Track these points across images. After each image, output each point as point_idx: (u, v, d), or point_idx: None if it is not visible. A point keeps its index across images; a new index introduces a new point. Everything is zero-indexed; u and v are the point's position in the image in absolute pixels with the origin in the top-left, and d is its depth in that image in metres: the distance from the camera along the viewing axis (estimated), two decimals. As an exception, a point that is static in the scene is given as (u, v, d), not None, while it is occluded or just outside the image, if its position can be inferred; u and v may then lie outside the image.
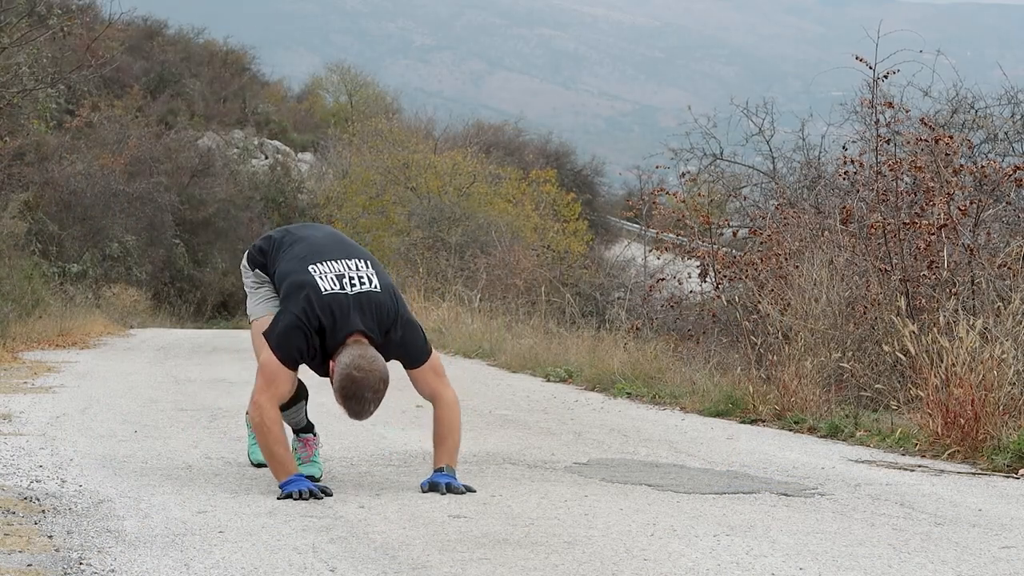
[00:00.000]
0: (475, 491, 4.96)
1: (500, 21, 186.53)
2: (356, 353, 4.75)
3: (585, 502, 4.83)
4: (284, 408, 5.14)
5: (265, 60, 46.44)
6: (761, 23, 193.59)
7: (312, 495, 4.74)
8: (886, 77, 9.88)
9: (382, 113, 38.40)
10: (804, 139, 15.19)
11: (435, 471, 5.02)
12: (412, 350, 4.99)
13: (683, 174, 14.66)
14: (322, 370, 4.98)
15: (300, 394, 5.28)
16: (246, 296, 5.34)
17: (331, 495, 4.84)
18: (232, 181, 32.00)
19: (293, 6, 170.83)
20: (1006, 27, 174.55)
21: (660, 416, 8.22)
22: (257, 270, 5.23)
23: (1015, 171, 9.46)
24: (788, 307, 8.99)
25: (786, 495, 5.11)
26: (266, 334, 4.90)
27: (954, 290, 8.35)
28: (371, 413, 4.80)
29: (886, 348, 7.47)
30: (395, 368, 4.95)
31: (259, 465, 5.51)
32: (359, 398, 4.72)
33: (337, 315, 4.82)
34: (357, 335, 4.84)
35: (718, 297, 11.30)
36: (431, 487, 4.95)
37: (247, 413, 5.75)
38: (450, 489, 4.92)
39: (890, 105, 10.22)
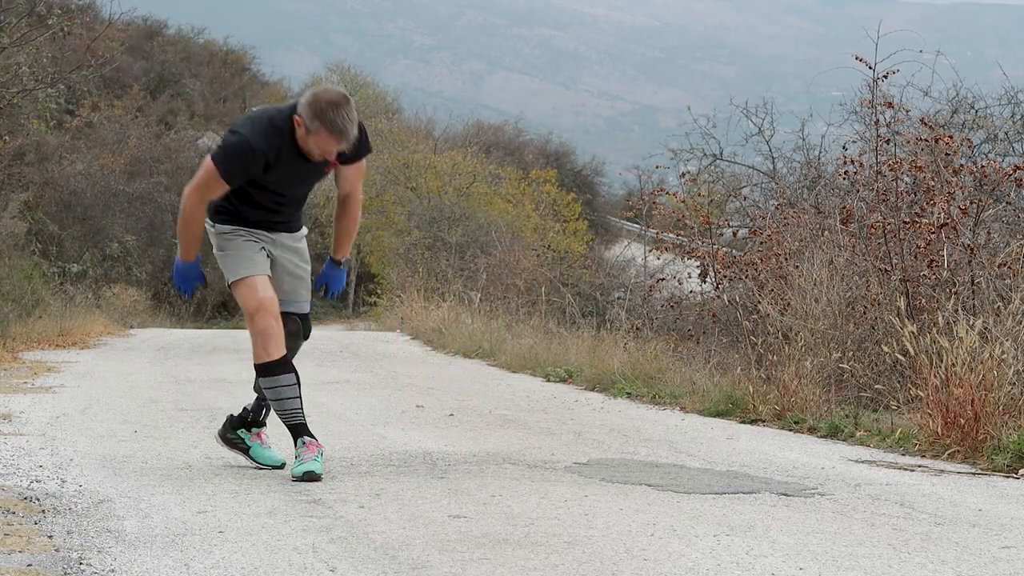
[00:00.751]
0: (343, 286, 5.59)
1: (500, 21, 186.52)
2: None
3: (585, 502, 4.82)
4: (275, 374, 5.15)
5: (265, 60, 46.52)
6: (761, 23, 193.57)
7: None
8: (886, 77, 9.88)
9: (382, 113, 38.43)
10: (804, 139, 15.19)
11: (332, 262, 5.57)
12: (359, 142, 5.18)
13: (683, 174, 14.65)
14: (306, 168, 5.21)
15: (288, 366, 5.22)
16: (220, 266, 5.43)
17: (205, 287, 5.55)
18: (232, 181, 31.96)
19: (293, 6, 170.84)
20: (1006, 27, 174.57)
21: (660, 416, 8.23)
22: (218, 224, 5.28)
23: (1015, 171, 9.45)
24: (788, 307, 8.98)
25: (786, 495, 5.11)
26: (214, 151, 5.11)
27: (954, 290, 8.34)
28: (353, 121, 5.00)
29: (886, 348, 7.47)
30: (390, 376, 4.94)
31: (272, 467, 5.49)
32: (333, 104, 4.97)
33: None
34: None
35: (718, 297, 11.29)
36: (322, 283, 5.58)
37: (233, 418, 5.69)
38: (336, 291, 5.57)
39: (890, 105, 10.21)
